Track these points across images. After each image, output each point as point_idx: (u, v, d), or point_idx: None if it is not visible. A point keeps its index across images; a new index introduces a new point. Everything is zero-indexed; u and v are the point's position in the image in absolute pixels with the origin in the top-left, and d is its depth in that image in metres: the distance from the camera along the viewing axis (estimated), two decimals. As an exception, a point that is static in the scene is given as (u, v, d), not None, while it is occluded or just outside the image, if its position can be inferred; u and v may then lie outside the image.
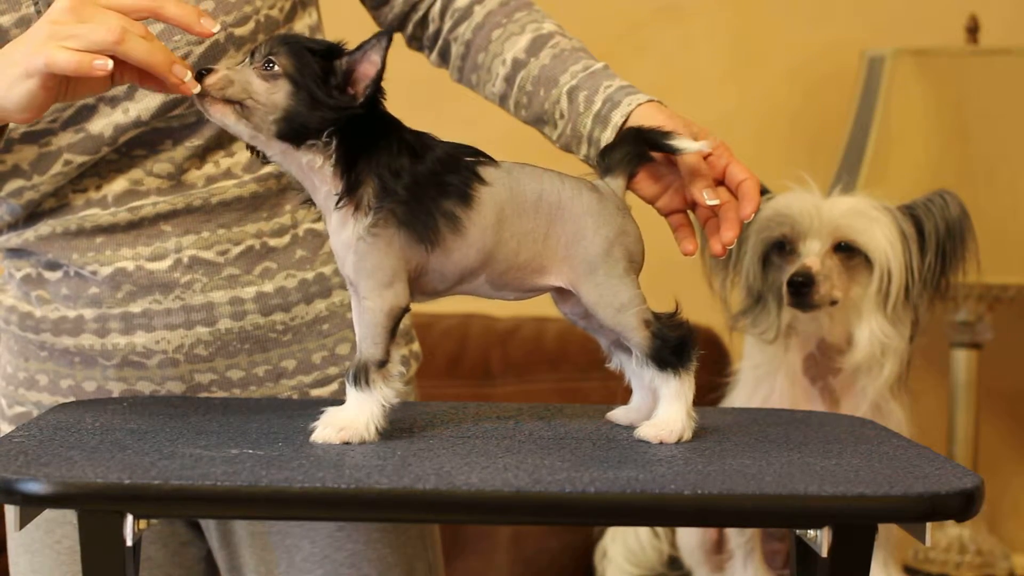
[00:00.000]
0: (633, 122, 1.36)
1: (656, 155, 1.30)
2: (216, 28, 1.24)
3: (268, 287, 1.48)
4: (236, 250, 1.47)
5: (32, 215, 1.46)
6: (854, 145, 2.49)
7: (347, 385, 1.19)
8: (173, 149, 1.45)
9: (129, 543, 1.06)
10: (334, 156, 1.17)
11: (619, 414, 1.29)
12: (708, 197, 1.32)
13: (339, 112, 1.17)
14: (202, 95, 1.18)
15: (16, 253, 1.50)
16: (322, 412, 1.20)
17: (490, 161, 1.21)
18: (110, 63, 1.20)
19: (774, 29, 2.81)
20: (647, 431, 1.22)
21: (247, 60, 1.18)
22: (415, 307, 1.25)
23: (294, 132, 1.17)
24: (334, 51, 1.18)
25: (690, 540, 2.11)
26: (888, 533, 1.92)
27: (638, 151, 1.27)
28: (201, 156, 1.46)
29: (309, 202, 1.22)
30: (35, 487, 1.04)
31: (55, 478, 1.05)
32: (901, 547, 2.23)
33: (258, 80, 1.17)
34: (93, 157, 1.43)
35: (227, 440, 1.19)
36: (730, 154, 1.34)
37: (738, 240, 1.88)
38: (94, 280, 1.45)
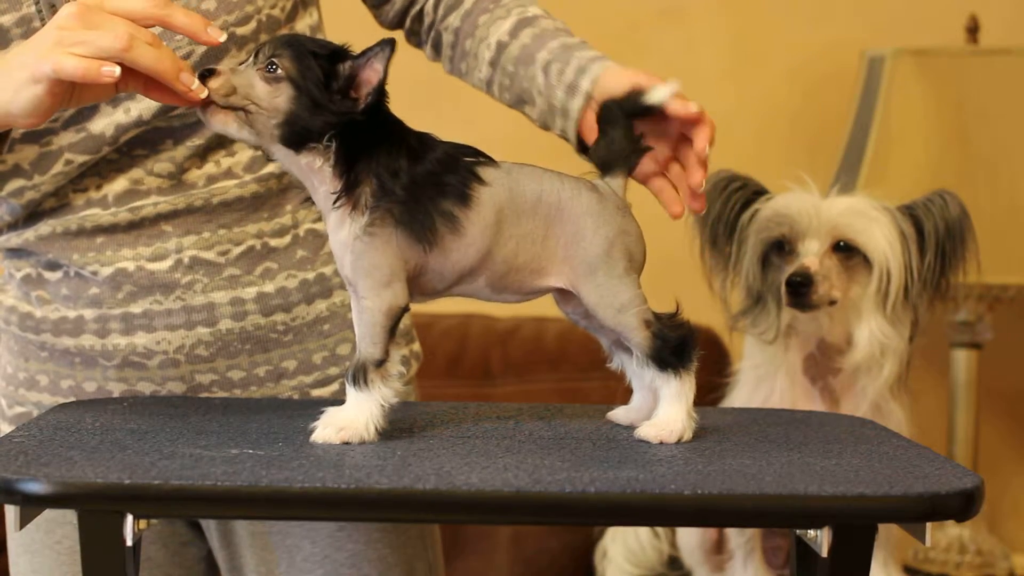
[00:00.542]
0: (601, 86, 1.37)
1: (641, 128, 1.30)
2: (223, 38, 1.25)
3: (269, 287, 1.48)
4: (237, 250, 1.47)
5: (32, 215, 1.46)
6: (854, 145, 2.49)
7: (346, 385, 1.19)
8: (174, 148, 1.45)
9: (129, 543, 1.06)
10: (333, 157, 1.18)
11: (619, 414, 1.29)
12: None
13: (340, 117, 1.17)
14: (204, 104, 1.18)
15: (16, 253, 1.50)
16: (322, 412, 1.20)
17: (490, 162, 1.21)
18: (118, 69, 1.20)
19: (774, 29, 2.81)
20: (647, 431, 1.22)
21: (250, 60, 1.19)
22: (415, 307, 1.25)
23: (296, 136, 1.17)
24: (338, 55, 1.19)
25: (690, 540, 2.11)
26: (888, 533, 1.92)
27: (633, 147, 1.26)
28: (202, 155, 1.46)
29: (310, 200, 1.23)
30: (35, 487, 1.04)
31: (55, 478, 1.05)
32: (901, 547, 2.23)
33: (260, 83, 1.17)
34: (94, 157, 1.43)
35: (227, 440, 1.19)
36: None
37: (738, 240, 1.90)
38: (94, 280, 1.45)
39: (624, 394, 1.29)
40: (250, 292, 1.47)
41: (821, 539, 1.08)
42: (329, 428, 1.18)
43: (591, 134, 1.33)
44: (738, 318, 1.91)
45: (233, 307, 1.46)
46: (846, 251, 1.85)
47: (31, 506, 1.07)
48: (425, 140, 1.20)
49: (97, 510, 1.06)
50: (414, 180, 1.17)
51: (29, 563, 1.55)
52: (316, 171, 1.19)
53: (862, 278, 1.85)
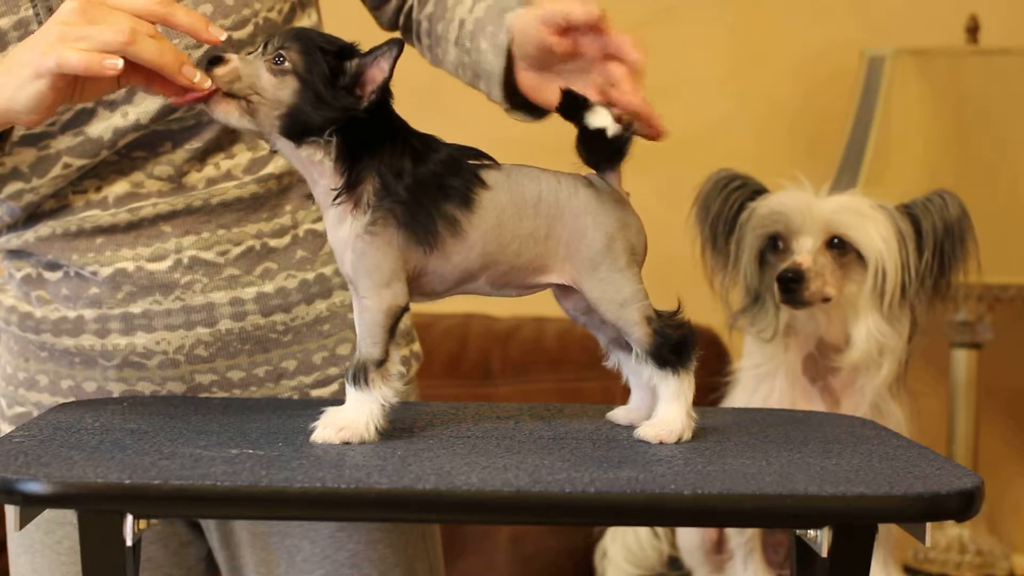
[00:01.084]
0: (517, 39, 1.37)
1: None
2: (224, 36, 1.25)
3: (268, 287, 1.48)
4: (236, 251, 1.47)
5: (32, 216, 1.46)
6: (854, 145, 2.49)
7: (346, 385, 1.19)
8: (173, 152, 1.45)
9: (129, 543, 1.06)
10: (334, 152, 1.18)
11: (619, 414, 1.29)
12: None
13: (342, 112, 1.17)
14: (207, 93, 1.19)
15: (16, 254, 1.50)
16: (322, 412, 1.20)
17: (492, 164, 1.21)
18: (120, 63, 1.20)
19: (774, 29, 2.81)
20: (647, 431, 1.22)
21: (259, 50, 1.19)
22: (415, 307, 1.25)
23: (297, 129, 1.18)
24: (346, 52, 1.19)
25: (690, 540, 2.11)
26: (888, 533, 1.92)
27: (617, 144, 1.22)
28: (201, 159, 1.46)
29: (311, 198, 1.23)
30: (35, 487, 1.04)
31: (55, 478, 1.05)
32: (901, 547, 2.24)
33: (267, 74, 1.18)
34: (92, 160, 1.43)
35: (227, 440, 1.19)
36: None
37: (735, 239, 1.90)
38: (94, 281, 1.45)
39: (624, 394, 1.29)
40: (249, 292, 1.47)
41: (821, 539, 1.08)
42: (329, 428, 1.18)
43: (536, 94, 1.37)
44: (737, 317, 1.92)
45: (233, 307, 1.46)
46: (840, 248, 1.85)
47: (31, 506, 1.07)
48: (428, 141, 1.20)
49: (97, 510, 1.06)
50: (417, 181, 1.18)
51: (29, 563, 1.55)
52: (316, 164, 1.19)
53: (857, 276, 1.85)
